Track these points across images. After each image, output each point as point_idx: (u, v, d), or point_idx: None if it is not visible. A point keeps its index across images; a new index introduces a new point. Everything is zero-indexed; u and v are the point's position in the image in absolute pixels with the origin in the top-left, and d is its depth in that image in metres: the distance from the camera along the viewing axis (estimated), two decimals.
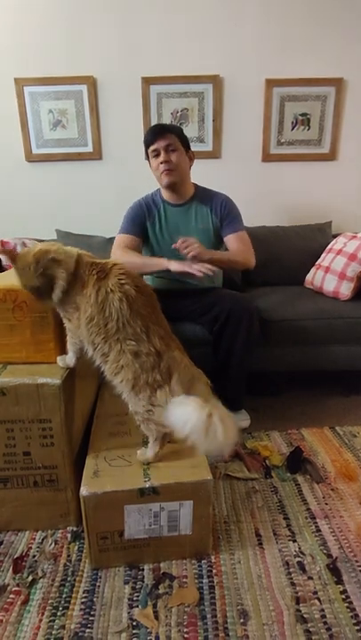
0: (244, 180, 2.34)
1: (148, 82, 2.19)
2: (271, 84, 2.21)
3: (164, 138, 1.55)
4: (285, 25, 2.15)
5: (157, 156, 1.58)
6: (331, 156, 2.34)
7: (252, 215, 2.24)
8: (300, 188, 2.38)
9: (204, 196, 1.69)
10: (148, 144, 1.59)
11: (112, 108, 2.24)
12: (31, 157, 2.29)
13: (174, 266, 1.46)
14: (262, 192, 2.37)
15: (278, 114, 2.27)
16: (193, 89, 2.21)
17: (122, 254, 1.60)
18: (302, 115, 2.28)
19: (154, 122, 2.24)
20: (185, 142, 1.61)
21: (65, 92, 2.20)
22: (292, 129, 2.30)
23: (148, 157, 1.64)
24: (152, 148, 1.58)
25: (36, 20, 2.10)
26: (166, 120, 2.24)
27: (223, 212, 1.66)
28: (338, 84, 2.22)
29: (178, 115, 2.25)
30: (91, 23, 2.12)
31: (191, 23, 2.13)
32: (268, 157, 2.33)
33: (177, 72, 2.18)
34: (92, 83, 2.18)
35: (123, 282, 0.97)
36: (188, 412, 0.88)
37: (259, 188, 2.36)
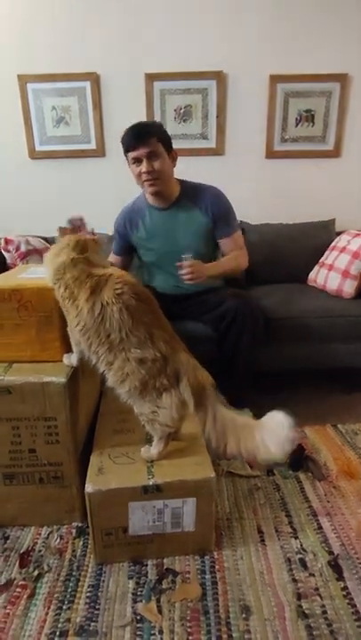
0: (247, 177, 2.33)
1: (151, 78, 2.18)
2: (275, 79, 2.20)
3: (146, 144, 1.42)
4: (290, 20, 2.13)
5: (139, 163, 1.46)
6: (335, 153, 2.33)
7: (255, 212, 2.24)
8: (303, 185, 2.37)
9: (191, 194, 1.58)
10: (127, 149, 1.46)
11: (115, 105, 2.23)
12: (34, 154, 2.29)
13: None
14: (266, 189, 2.36)
15: (282, 110, 2.25)
16: (196, 85, 2.20)
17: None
18: (306, 111, 2.26)
19: (157, 119, 2.24)
20: (167, 143, 1.48)
21: (68, 89, 2.19)
22: (297, 125, 2.28)
23: (127, 159, 1.51)
24: (133, 155, 1.45)
25: (39, 17, 2.09)
26: (170, 117, 2.24)
27: (215, 212, 1.57)
28: (343, 79, 2.20)
29: (181, 111, 2.24)
30: (94, 19, 2.11)
31: (195, 19, 2.12)
32: (271, 154, 2.32)
33: (180, 68, 2.17)
34: (95, 79, 2.17)
35: (120, 292, 0.96)
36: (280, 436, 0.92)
37: (262, 185, 2.35)
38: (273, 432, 0.93)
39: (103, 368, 1.01)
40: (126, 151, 1.48)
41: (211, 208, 1.57)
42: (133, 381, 0.98)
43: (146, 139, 1.43)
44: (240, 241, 1.63)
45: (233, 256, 1.59)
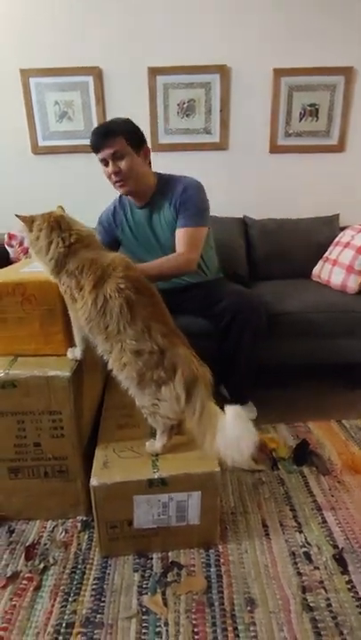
0: (251, 171, 2.32)
1: (154, 72, 2.16)
2: (279, 73, 2.18)
3: (109, 145, 1.38)
4: (294, 13, 2.11)
5: (105, 164, 1.44)
6: (339, 148, 2.31)
7: (258, 207, 2.23)
8: (307, 179, 2.35)
9: (164, 189, 1.53)
10: (94, 151, 1.43)
11: (118, 100, 2.22)
12: (37, 150, 2.28)
13: None
14: (269, 184, 2.34)
15: (286, 104, 2.24)
16: (200, 79, 2.19)
17: None
18: (311, 105, 2.24)
19: (160, 113, 2.23)
20: (135, 140, 1.42)
21: (71, 84, 2.18)
22: (301, 120, 2.27)
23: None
24: (99, 156, 1.43)
25: (41, 11, 2.08)
26: (173, 111, 2.22)
27: (179, 203, 1.49)
28: (347, 73, 2.18)
29: (184, 106, 2.23)
30: (97, 14, 2.09)
31: (198, 13, 2.10)
32: (275, 149, 2.31)
33: (183, 62, 2.15)
34: (97, 74, 2.16)
35: (122, 286, 0.96)
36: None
37: (266, 180, 2.34)
38: (228, 436, 0.93)
39: (104, 355, 1.03)
40: (94, 153, 1.44)
41: (177, 200, 1.50)
42: (131, 372, 0.98)
43: (109, 139, 1.38)
44: (194, 239, 1.47)
45: (170, 257, 1.46)
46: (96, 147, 1.41)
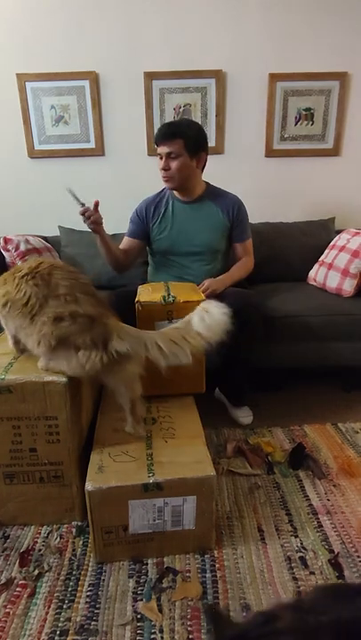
0: (246, 175, 2.33)
1: (150, 77, 2.17)
2: (275, 78, 2.19)
3: (169, 144, 1.52)
4: (289, 18, 2.12)
5: (160, 159, 1.57)
6: (334, 152, 2.33)
7: (255, 211, 2.23)
8: (303, 183, 2.37)
9: (215, 195, 1.69)
10: (155, 143, 1.58)
11: (114, 104, 2.23)
12: (33, 154, 2.28)
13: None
14: (265, 188, 2.36)
15: (282, 109, 2.25)
16: (196, 84, 2.20)
17: None
18: (306, 109, 2.26)
19: (156, 117, 2.23)
20: (193, 146, 1.54)
21: (67, 88, 2.18)
22: (296, 124, 2.28)
23: None
24: (157, 150, 1.57)
25: (37, 15, 2.09)
26: (169, 116, 2.23)
27: (235, 217, 1.68)
28: (342, 77, 2.20)
29: (180, 110, 2.23)
30: (92, 18, 2.10)
31: (193, 17, 2.11)
32: (271, 153, 2.32)
33: (179, 67, 2.16)
34: (94, 78, 2.17)
35: (36, 267, 1.04)
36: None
37: (262, 184, 2.35)
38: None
39: (25, 339, 1.07)
40: (155, 144, 1.59)
41: (232, 212, 1.68)
42: (49, 339, 1.00)
43: (170, 139, 1.51)
44: (250, 248, 1.77)
45: (242, 264, 1.73)
46: (157, 141, 1.56)
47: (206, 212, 1.67)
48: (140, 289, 1.43)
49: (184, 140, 1.52)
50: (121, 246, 1.71)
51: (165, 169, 1.55)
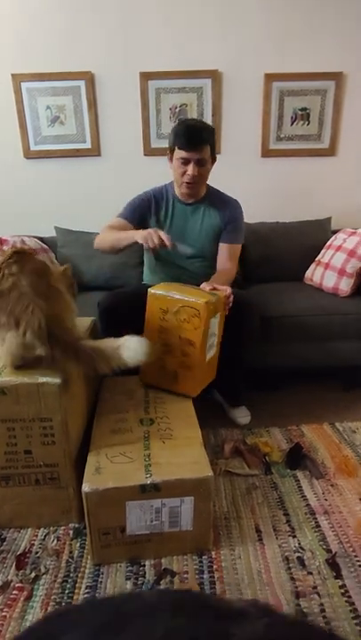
0: (243, 175, 2.33)
1: (146, 77, 2.17)
2: (271, 78, 2.20)
3: (199, 150, 1.45)
4: (285, 19, 2.13)
5: (185, 163, 1.48)
6: (330, 152, 2.33)
7: (251, 211, 2.23)
8: (299, 183, 2.37)
9: (215, 198, 1.65)
10: (179, 147, 1.47)
11: (110, 104, 2.22)
12: (29, 154, 2.28)
13: (139, 236, 1.38)
14: (261, 188, 2.36)
15: (278, 109, 2.25)
16: (192, 84, 2.20)
17: (102, 231, 1.57)
18: (302, 109, 2.26)
19: (152, 118, 2.23)
20: (213, 151, 1.51)
21: (63, 88, 2.18)
22: (292, 124, 2.28)
23: (170, 153, 1.52)
24: (183, 155, 1.46)
25: (33, 16, 2.08)
26: (165, 116, 2.23)
27: (229, 219, 1.63)
28: (338, 78, 2.21)
29: (176, 110, 2.23)
30: (88, 18, 2.09)
31: (189, 18, 2.11)
32: (267, 153, 2.32)
33: (175, 67, 2.16)
34: (90, 78, 2.16)
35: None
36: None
37: (258, 184, 2.35)
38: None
39: None
40: (177, 147, 1.48)
41: (228, 215, 1.63)
42: None
43: (202, 145, 1.45)
44: (236, 254, 1.67)
45: (222, 272, 1.59)
46: (185, 146, 1.45)
47: (205, 215, 1.63)
48: (161, 291, 1.29)
49: (210, 146, 1.49)
50: (111, 226, 1.59)
51: (194, 175, 1.48)
